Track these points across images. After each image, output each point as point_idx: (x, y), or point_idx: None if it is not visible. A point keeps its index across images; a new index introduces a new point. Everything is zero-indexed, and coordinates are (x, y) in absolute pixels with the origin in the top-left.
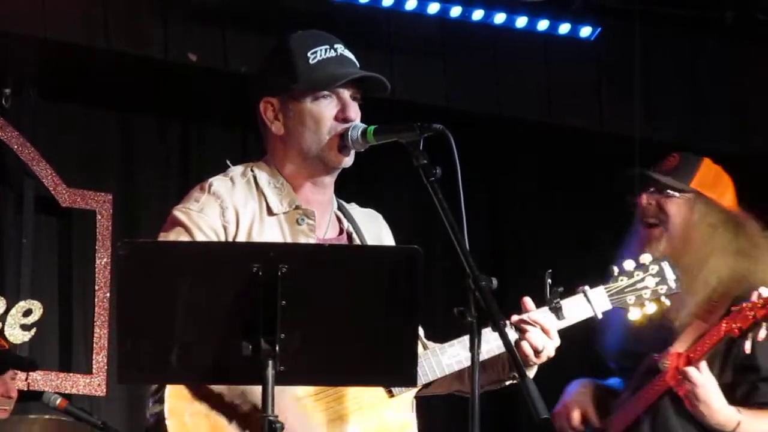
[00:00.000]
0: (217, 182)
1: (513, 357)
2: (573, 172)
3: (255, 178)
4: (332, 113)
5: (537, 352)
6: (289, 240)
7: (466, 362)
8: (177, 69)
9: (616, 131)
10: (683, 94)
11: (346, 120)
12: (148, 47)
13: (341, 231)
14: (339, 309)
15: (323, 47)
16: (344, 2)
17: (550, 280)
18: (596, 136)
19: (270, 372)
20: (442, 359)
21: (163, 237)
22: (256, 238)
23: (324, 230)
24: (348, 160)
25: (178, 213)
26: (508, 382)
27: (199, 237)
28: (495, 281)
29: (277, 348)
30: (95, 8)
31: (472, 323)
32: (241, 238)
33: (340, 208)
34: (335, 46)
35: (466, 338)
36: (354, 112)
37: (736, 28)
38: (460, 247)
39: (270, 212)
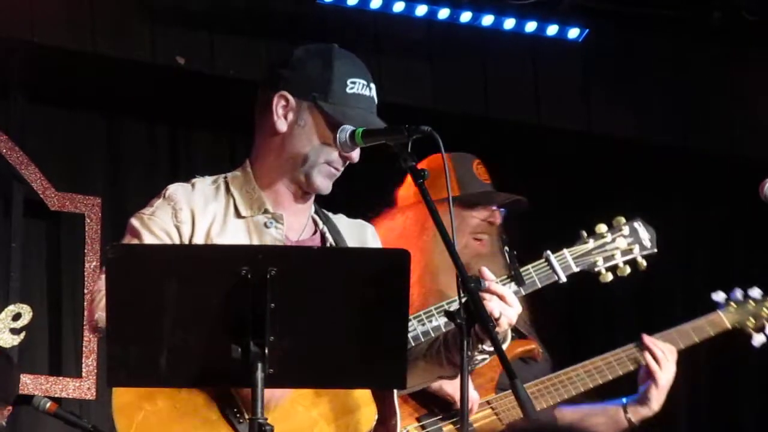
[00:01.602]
0: (174, 187)
1: (502, 360)
2: (561, 174)
3: (227, 184)
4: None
5: (494, 319)
6: (255, 241)
7: (423, 336)
8: (165, 72)
9: (604, 133)
10: (671, 95)
11: (348, 159)
12: (135, 51)
13: (315, 231)
14: (328, 311)
15: (362, 81)
16: (332, 4)
17: (506, 248)
18: (584, 137)
19: (259, 375)
20: None
21: None
22: (216, 237)
23: (299, 233)
24: (324, 190)
25: (132, 219)
26: (480, 357)
27: (149, 239)
28: (484, 283)
29: (266, 350)
30: (82, 12)
31: (461, 325)
32: (199, 237)
33: (317, 212)
34: (370, 84)
35: (421, 314)
36: (356, 154)
37: (724, 28)
38: (449, 248)
39: (238, 215)
